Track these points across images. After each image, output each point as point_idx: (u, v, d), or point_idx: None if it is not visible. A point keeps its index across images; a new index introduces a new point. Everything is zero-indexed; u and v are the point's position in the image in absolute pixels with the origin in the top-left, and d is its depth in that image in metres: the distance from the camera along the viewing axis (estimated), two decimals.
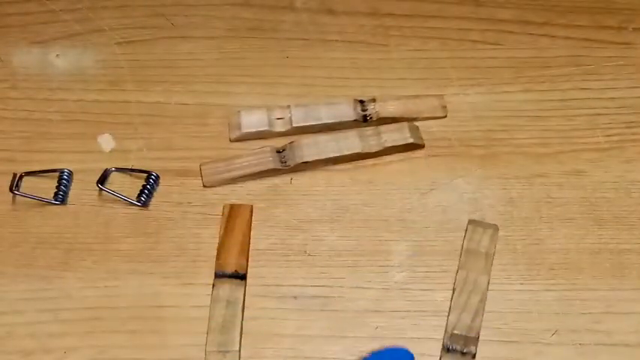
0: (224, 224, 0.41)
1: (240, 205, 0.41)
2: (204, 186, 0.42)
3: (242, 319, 0.38)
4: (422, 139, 0.43)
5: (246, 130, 0.44)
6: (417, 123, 0.44)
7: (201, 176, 0.42)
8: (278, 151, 0.43)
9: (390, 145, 0.43)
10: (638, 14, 0.49)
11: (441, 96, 0.45)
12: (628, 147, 0.43)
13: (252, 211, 0.41)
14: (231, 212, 0.41)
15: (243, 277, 0.39)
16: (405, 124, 0.43)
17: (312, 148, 0.42)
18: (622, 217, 0.41)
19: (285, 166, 0.42)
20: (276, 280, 0.40)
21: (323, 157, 0.42)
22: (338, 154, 0.42)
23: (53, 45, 0.48)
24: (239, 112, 0.44)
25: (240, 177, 0.42)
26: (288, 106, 0.44)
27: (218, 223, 0.41)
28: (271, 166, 0.42)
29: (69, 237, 0.41)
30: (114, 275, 0.40)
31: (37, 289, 0.39)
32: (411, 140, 0.43)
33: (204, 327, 0.38)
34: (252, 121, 0.44)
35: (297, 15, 0.49)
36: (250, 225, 0.41)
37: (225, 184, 0.42)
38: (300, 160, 0.42)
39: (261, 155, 0.43)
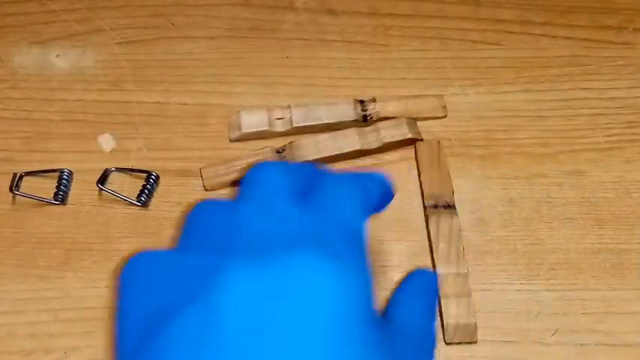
0: None
1: None
2: (205, 189, 0.42)
3: None
4: (420, 133, 0.44)
5: (246, 130, 0.44)
6: (417, 123, 0.44)
7: (202, 180, 0.42)
8: (278, 152, 0.43)
9: (388, 140, 0.43)
10: (638, 14, 0.49)
11: (440, 96, 0.45)
12: (628, 147, 0.43)
13: None
14: None
15: None
16: (403, 119, 0.43)
17: (312, 147, 0.42)
18: (622, 217, 0.41)
19: None
20: None
21: (323, 155, 0.42)
22: (338, 152, 0.42)
23: (53, 45, 0.48)
24: (239, 112, 0.44)
25: (241, 179, 0.42)
26: (289, 106, 0.44)
27: None
28: None
29: (69, 237, 0.41)
30: (114, 275, 0.40)
31: (37, 289, 0.39)
32: (409, 135, 0.43)
33: None
34: (252, 121, 0.44)
35: (297, 15, 0.49)
36: None
37: (227, 186, 0.42)
38: (300, 160, 0.42)
39: (261, 156, 0.43)
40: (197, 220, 0.25)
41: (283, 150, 0.43)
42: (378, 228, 0.41)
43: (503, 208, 0.42)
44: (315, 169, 0.28)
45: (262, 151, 0.43)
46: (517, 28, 0.48)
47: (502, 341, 0.38)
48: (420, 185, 0.42)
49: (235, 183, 0.42)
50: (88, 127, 0.45)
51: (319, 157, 0.42)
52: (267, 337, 0.20)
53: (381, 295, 0.39)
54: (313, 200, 0.25)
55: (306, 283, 0.21)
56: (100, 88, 0.46)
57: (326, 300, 0.20)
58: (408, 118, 0.44)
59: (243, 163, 0.42)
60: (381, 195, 0.29)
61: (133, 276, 0.23)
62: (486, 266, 0.40)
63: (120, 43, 0.48)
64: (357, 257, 0.23)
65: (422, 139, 0.44)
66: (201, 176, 0.43)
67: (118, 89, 0.46)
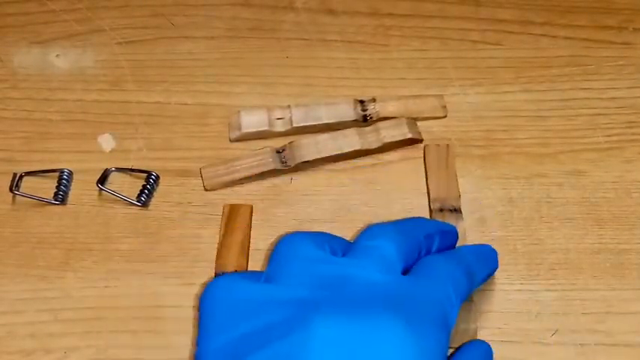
0: (224, 224, 0.41)
1: (240, 205, 0.41)
2: (205, 189, 0.42)
3: None
4: (420, 133, 0.44)
5: (246, 130, 0.44)
6: (417, 122, 0.44)
7: (202, 180, 0.42)
8: (278, 152, 0.43)
9: (388, 140, 0.43)
10: (638, 14, 0.49)
11: (440, 96, 0.45)
12: (628, 147, 0.43)
13: (252, 211, 0.41)
14: (231, 212, 0.41)
15: None
16: (403, 119, 0.43)
17: (312, 147, 0.42)
18: (622, 217, 0.41)
19: (286, 166, 0.42)
20: None
21: (323, 155, 0.42)
22: (338, 152, 0.42)
23: (53, 45, 0.48)
24: (239, 112, 0.44)
25: (241, 179, 0.42)
26: (289, 106, 0.44)
27: (218, 223, 0.41)
28: (272, 166, 0.42)
29: (69, 237, 0.41)
30: (114, 275, 0.40)
31: (37, 289, 0.39)
32: (409, 135, 0.43)
33: None
34: (252, 121, 0.44)
35: (297, 15, 0.49)
36: (250, 225, 0.41)
37: (227, 186, 0.43)
38: (300, 160, 0.42)
39: (261, 156, 0.43)
40: (290, 253, 0.26)
41: (283, 150, 0.43)
42: None
43: (503, 208, 0.42)
44: (426, 235, 0.30)
45: (262, 151, 0.43)
46: (517, 28, 0.48)
47: (502, 341, 0.38)
48: (427, 188, 0.42)
49: (235, 183, 0.42)
50: (88, 127, 0.45)
51: (319, 157, 0.42)
52: None
53: None
54: (418, 275, 0.26)
55: (385, 348, 0.22)
56: (100, 88, 0.46)
57: None
58: (408, 118, 0.44)
59: (243, 163, 0.42)
60: (487, 274, 0.32)
61: (216, 300, 0.25)
62: None
63: (120, 43, 0.48)
64: (438, 336, 0.24)
65: (422, 140, 0.43)
66: (201, 176, 0.43)
67: (118, 89, 0.46)
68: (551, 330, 0.38)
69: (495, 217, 0.41)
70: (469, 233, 0.41)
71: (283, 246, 0.26)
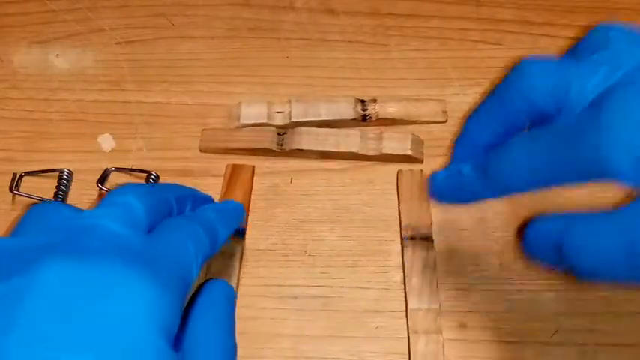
0: (225, 183, 0.42)
1: (242, 165, 0.42)
2: (199, 150, 0.43)
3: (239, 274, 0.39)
4: (422, 154, 0.43)
5: (244, 121, 0.44)
6: (416, 125, 0.44)
7: (200, 141, 0.44)
8: (279, 134, 0.43)
9: (387, 152, 0.42)
10: (638, 14, 0.49)
11: (442, 101, 0.45)
12: None
13: (253, 172, 0.42)
14: (233, 172, 0.42)
15: (242, 232, 0.40)
16: (409, 135, 0.43)
17: (312, 137, 0.43)
18: None
19: (281, 149, 0.42)
20: (276, 280, 0.40)
21: (319, 148, 0.42)
22: (334, 150, 0.42)
23: (53, 45, 0.48)
24: (240, 103, 0.44)
25: (235, 150, 0.43)
26: (289, 101, 0.44)
27: None
28: (266, 145, 0.43)
29: None
30: None
31: None
32: (409, 153, 0.42)
33: None
34: (252, 112, 0.44)
35: (297, 15, 0.49)
36: (251, 185, 0.42)
37: (219, 153, 0.43)
38: (296, 147, 0.42)
39: (261, 134, 0.43)
40: (35, 214, 0.27)
41: (284, 133, 0.43)
42: (378, 228, 0.41)
43: (504, 208, 0.42)
44: (177, 198, 0.30)
45: (264, 128, 0.43)
46: (517, 28, 0.48)
47: (502, 341, 0.38)
48: (399, 215, 0.41)
49: (228, 152, 0.43)
50: (88, 127, 0.45)
51: (315, 149, 0.42)
52: (61, 322, 0.21)
53: (381, 293, 0.39)
54: (159, 233, 0.27)
55: (113, 288, 0.22)
56: (100, 88, 0.46)
57: (129, 309, 0.22)
58: (414, 135, 0.43)
59: (242, 136, 0.43)
60: (232, 229, 0.32)
61: None
62: (486, 266, 0.40)
63: (120, 43, 0.48)
64: (176, 289, 0.25)
65: (422, 160, 0.43)
66: (201, 138, 0.44)
67: (118, 89, 0.46)
68: (551, 330, 0.38)
69: (495, 217, 0.41)
70: (469, 233, 0.41)
71: (31, 210, 0.27)
